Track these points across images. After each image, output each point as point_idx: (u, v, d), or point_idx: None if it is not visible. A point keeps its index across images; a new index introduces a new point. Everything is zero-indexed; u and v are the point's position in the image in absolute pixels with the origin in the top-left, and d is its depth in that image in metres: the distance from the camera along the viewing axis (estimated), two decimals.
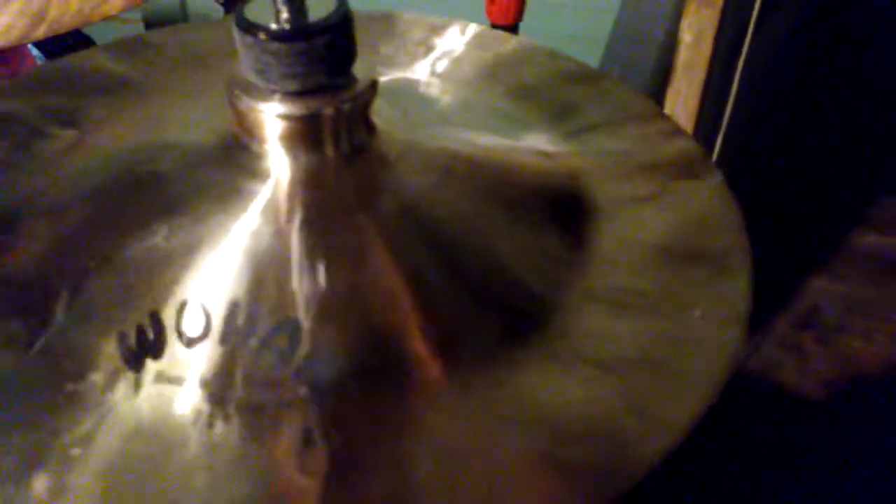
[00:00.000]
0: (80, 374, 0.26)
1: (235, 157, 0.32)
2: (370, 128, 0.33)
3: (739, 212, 0.36)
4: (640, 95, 0.44)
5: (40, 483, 0.24)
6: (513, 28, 0.95)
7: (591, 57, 1.13)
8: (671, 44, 1.02)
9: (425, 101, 0.42)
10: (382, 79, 0.43)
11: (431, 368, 0.29)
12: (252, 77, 0.31)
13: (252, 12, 0.30)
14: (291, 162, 0.32)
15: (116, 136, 0.37)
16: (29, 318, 0.28)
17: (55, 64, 0.42)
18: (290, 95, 0.31)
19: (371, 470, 0.25)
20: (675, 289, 0.32)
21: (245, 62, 0.30)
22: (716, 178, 0.38)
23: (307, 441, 0.26)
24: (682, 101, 0.68)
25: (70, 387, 0.26)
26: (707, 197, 0.37)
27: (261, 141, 0.31)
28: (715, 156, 0.76)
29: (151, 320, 0.27)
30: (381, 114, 0.34)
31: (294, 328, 0.28)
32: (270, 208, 0.31)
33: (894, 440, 0.91)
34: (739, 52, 0.69)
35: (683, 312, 0.31)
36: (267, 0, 0.30)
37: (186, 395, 0.27)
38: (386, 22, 0.49)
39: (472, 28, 0.48)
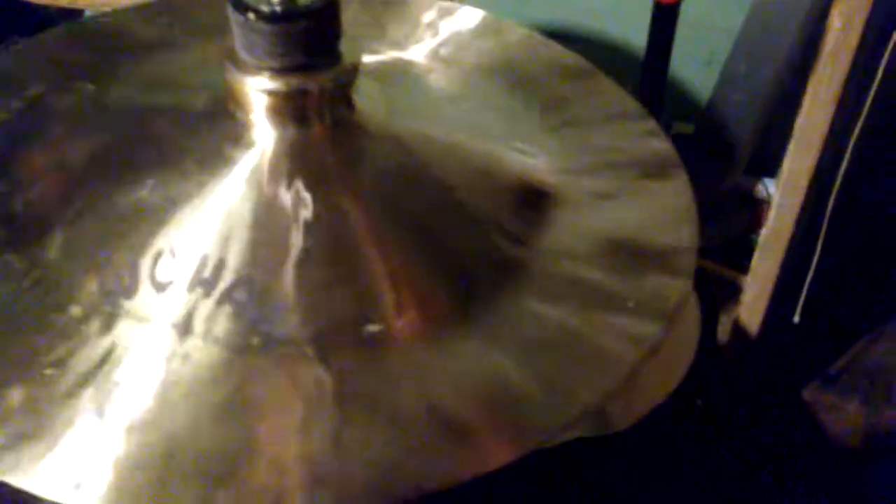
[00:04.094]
0: (62, 307, 0.30)
1: (225, 124, 0.35)
2: (351, 106, 0.36)
3: (695, 215, 0.38)
4: (628, 95, 0.46)
5: (15, 394, 0.27)
6: (675, 7, 0.97)
7: (722, 50, 1.15)
8: (806, 36, 1.02)
9: (418, 85, 0.44)
10: (382, 59, 0.46)
11: (394, 325, 0.32)
12: (242, 53, 0.33)
13: None
14: (275, 133, 0.35)
15: (127, 92, 0.40)
16: (25, 253, 0.32)
17: (85, 23, 0.45)
18: (275, 72, 0.34)
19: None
20: (614, 280, 0.34)
21: (237, 38, 0.33)
22: (682, 181, 0.40)
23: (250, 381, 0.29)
24: (825, 86, 0.71)
25: (52, 316, 0.30)
26: (670, 197, 0.39)
27: (247, 111, 0.34)
28: (853, 141, 0.77)
29: (129, 265, 0.31)
30: (365, 93, 0.37)
31: (254, 284, 0.31)
32: (252, 174, 0.34)
33: None
34: (888, 39, 0.71)
35: (616, 302, 0.33)
36: None
37: (153, 332, 0.30)
38: (401, 2, 0.51)
39: (480, 15, 0.50)
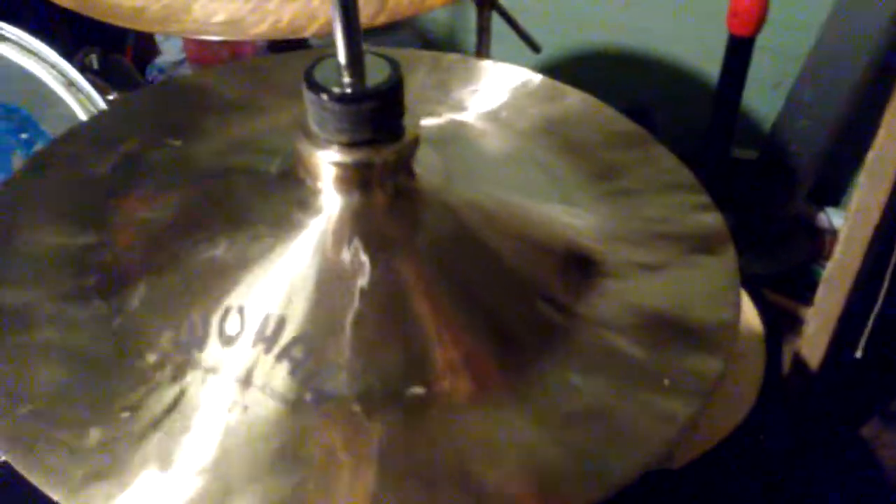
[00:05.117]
0: (140, 354, 0.33)
1: (294, 189, 0.38)
2: (411, 174, 0.39)
3: (738, 294, 0.39)
4: (682, 165, 0.47)
5: (94, 434, 0.31)
6: (751, 40, 0.99)
7: (789, 76, 1.15)
8: (876, 65, 1.02)
9: (474, 148, 0.47)
10: (442, 122, 0.48)
11: (439, 388, 0.34)
12: (313, 125, 0.37)
13: (320, 71, 0.36)
14: (340, 200, 0.37)
15: (210, 151, 0.44)
16: (112, 301, 0.35)
17: (175, 81, 0.50)
18: (343, 145, 0.37)
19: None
20: (653, 356, 0.36)
21: (309, 112, 0.36)
22: (729, 258, 0.41)
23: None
24: None
25: (130, 362, 0.33)
26: (715, 274, 0.40)
27: (316, 179, 0.37)
28: None
29: (200, 319, 0.34)
30: (424, 161, 0.39)
31: (310, 342, 0.33)
32: (318, 238, 0.37)
33: None
34: None
35: (653, 379, 0.34)
36: (333, 64, 0.36)
37: (218, 383, 0.33)
38: (467, 66, 0.54)
39: (539, 78, 0.52)
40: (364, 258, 0.37)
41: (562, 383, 0.34)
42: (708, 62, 1.22)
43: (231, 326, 0.34)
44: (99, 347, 0.34)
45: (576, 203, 0.44)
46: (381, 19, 0.61)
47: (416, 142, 0.38)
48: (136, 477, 0.30)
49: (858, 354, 0.85)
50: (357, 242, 0.37)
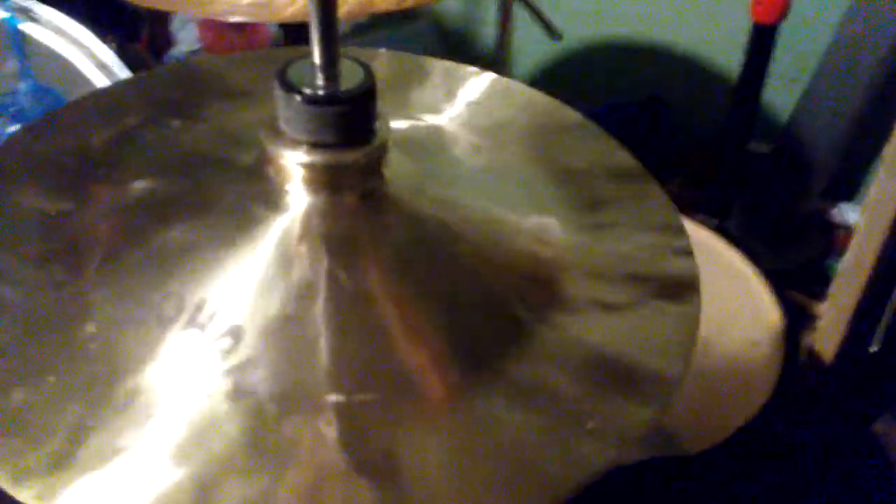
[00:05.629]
0: (80, 323, 0.35)
1: (263, 185, 0.38)
2: (381, 178, 0.39)
3: (692, 349, 0.38)
4: (670, 205, 0.46)
5: (18, 394, 0.32)
6: (774, 28, 1.00)
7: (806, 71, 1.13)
8: (892, 62, 1.00)
9: (452, 158, 0.47)
10: (418, 125, 0.48)
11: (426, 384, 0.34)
12: (282, 124, 0.37)
13: (294, 71, 0.37)
14: (307, 199, 0.38)
15: (202, 135, 0.45)
16: (68, 268, 0.37)
17: (187, 62, 0.51)
18: (312, 146, 0.37)
19: None
20: (586, 397, 0.35)
21: (279, 110, 0.37)
22: (693, 308, 0.40)
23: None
24: None
25: (69, 330, 0.34)
26: (674, 324, 0.39)
27: (283, 178, 0.38)
28: None
29: (144, 298, 0.35)
30: (395, 164, 0.39)
31: (270, 343, 0.34)
32: (280, 236, 0.37)
33: None
34: None
35: (578, 420, 0.34)
36: (307, 65, 0.36)
37: (147, 361, 0.34)
38: (466, 75, 0.53)
39: (544, 98, 0.51)
40: (329, 260, 0.37)
41: (488, 413, 0.34)
42: (727, 55, 1.21)
43: (170, 309, 0.35)
44: (44, 311, 0.35)
45: (550, 228, 0.44)
46: (408, 4, 0.62)
47: (384, 146, 0.38)
48: (47, 443, 0.31)
49: (873, 349, 0.84)
50: (322, 243, 0.38)
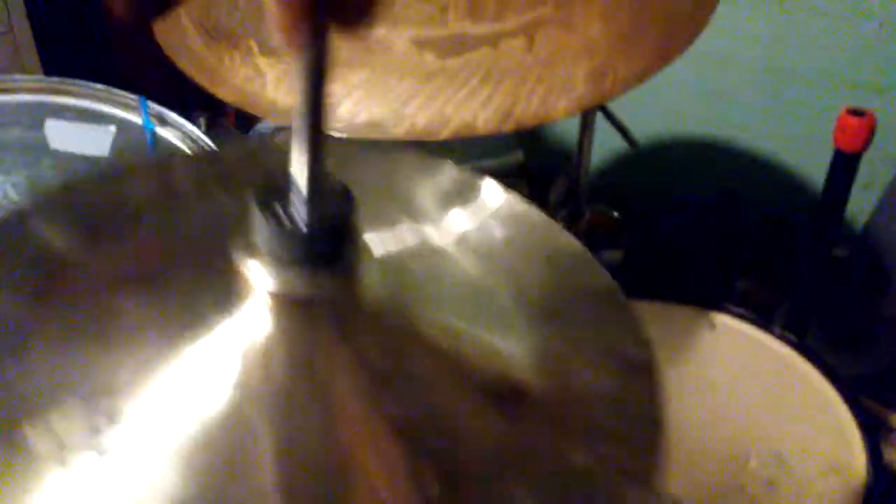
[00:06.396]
0: None
1: (226, 290, 0.38)
2: (352, 294, 0.38)
3: None
4: (646, 342, 0.45)
5: None
6: (858, 156, 0.99)
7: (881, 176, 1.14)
8: None
9: (434, 277, 0.46)
10: (402, 233, 0.47)
11: None
12: (257, 238, 0.36)
13: (273, 192, 0.36)
14: (273, 313, 0.37)
15: (207, 221, 0.45)
16: None
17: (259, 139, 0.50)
18: (282, 263, 0.36)
19: None
20: None
21: (253, 222, 0.36)
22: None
23: None
24: None
25: None
26: None
27: (249, 289, 0.37)
28: None
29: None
30: (371, 276, 0.39)
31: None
32: (243, 342, 0.37)
33: None
34: None
35: None
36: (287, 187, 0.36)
37: None
38: (463, 184, 0.53)
39: (540, 217, 0.51)
40: (291, 369, 0.37)
41: None
42: (812, 158, 1.21)
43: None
44: None
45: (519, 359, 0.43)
46: (510, 126, 0.65)
47: (357, 267, 0.38)
48: None
49: None
50: (285, 352, 0.37)
